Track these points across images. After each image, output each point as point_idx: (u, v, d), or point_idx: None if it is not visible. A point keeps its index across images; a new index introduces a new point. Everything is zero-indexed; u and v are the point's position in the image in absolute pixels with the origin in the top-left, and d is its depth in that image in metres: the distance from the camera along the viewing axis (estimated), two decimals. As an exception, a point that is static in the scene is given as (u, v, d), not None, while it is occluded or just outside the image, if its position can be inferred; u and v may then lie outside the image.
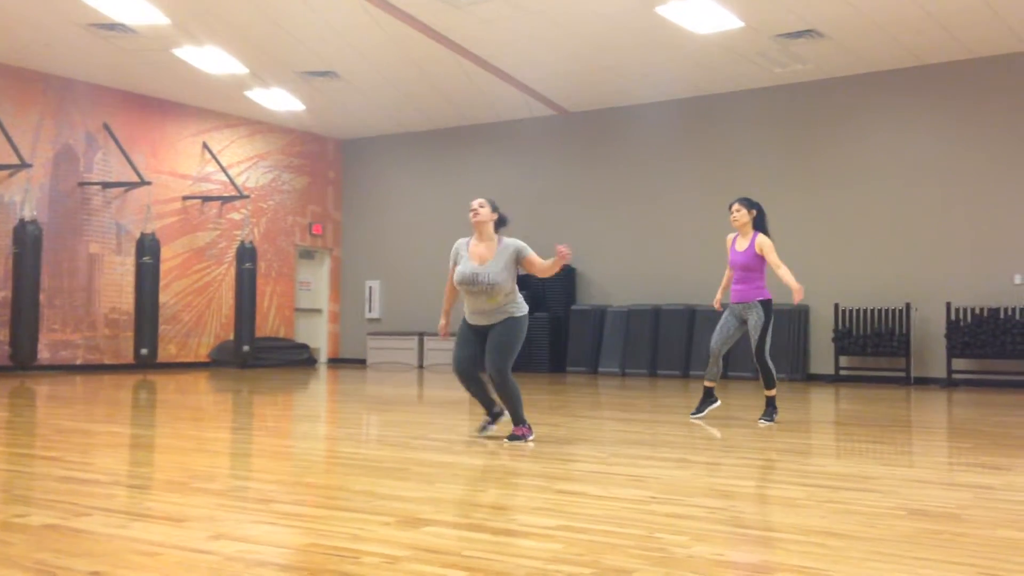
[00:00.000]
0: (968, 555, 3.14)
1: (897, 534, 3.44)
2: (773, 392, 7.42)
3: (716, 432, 6.86)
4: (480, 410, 6.66)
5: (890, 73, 13.44)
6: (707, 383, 7.68)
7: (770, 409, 7.40)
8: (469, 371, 6.13)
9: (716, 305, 7.87)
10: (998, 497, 4.26)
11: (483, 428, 6.38)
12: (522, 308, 6.08)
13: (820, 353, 13.69)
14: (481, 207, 6.10)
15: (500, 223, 6.20)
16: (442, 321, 6.51)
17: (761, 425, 7.19)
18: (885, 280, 13.24)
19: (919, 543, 3.31)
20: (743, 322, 7.42)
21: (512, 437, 6.03)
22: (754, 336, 7.29)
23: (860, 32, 11.98)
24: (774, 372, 7.38)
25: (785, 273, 7.22)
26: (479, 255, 6.06)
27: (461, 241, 6.24)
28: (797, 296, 7.15)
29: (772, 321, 7.36)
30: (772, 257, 7.29)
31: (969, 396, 11.01)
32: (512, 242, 6.09)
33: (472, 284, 5.98)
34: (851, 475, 4.90)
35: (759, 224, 7.45)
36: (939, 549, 3.22)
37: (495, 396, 6.25)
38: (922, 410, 9.35)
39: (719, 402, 7.73)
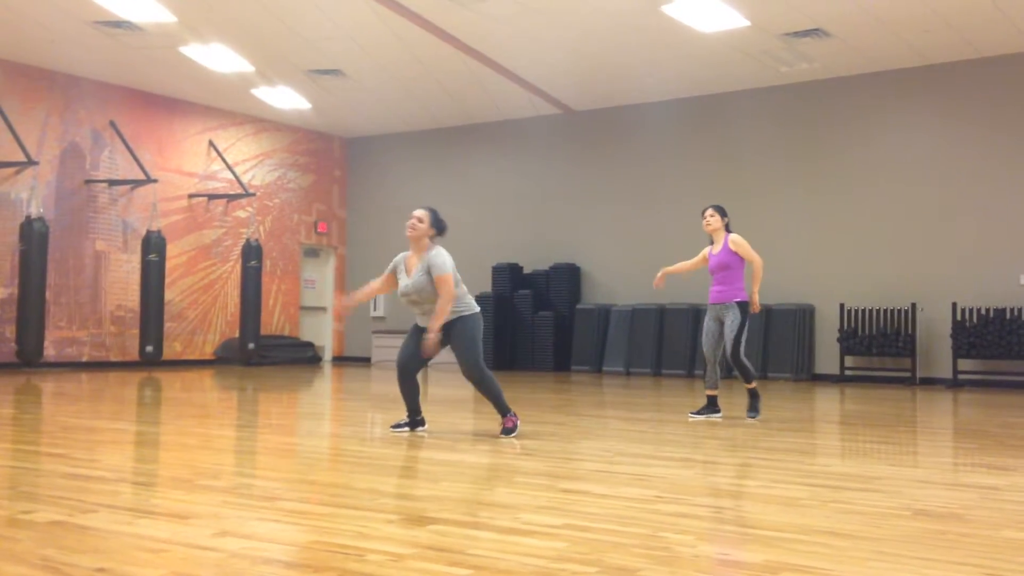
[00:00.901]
0: (972, 555, 3.14)
1: (901, 534, 3.44)
2: (754, 385, 7.62)
3: (720, 432, 6.86)
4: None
5: (897, 72, 13.41)
6: (708, 391, 7.73)
7: (754, 401, 7.61)
8: (409, 368, 6.31)
9: (659, 279, 7.83)
10: (1003, 498, 4.26)
11: (397, 425, 6.49)
12: (469, 308, 6.19)
13: (825, 353, 13.67)
14: (420, 222, 6.20)
15: (439, 233, 6.29)
16: (360, 292, 6.57)
17: (750, 420, 7.40)
18: (891, 280, 13.22)
19: (923, 543, 3.31)
20: (721, 323, 7.60)
21: (505, 431, 6.13)
22: (729, 337, 7.46)
23: (867, 31, 11.96)
24: (751, 368, 7.58)
25: (758, 272, 7.58)
26: (410, 267, 6.23)
27: (400, 256, 6.36)
28: (753, 307, 7.58)
29: (748, 322, 7.52)
30: (750, 252, 7.58)
31: (974, 397, 10.99)
32: (435, 254, 6.14)
33: (406, 296, 6.21)
34: (856, 475, 4.89)
35: (728, 229, 7.82)
36: (943, 549, 3.22)
37: (422, 403, 6.48)
38: (927, 410, 9.34)
39: (721, 413, 7.71)
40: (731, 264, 7.55)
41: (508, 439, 6.02)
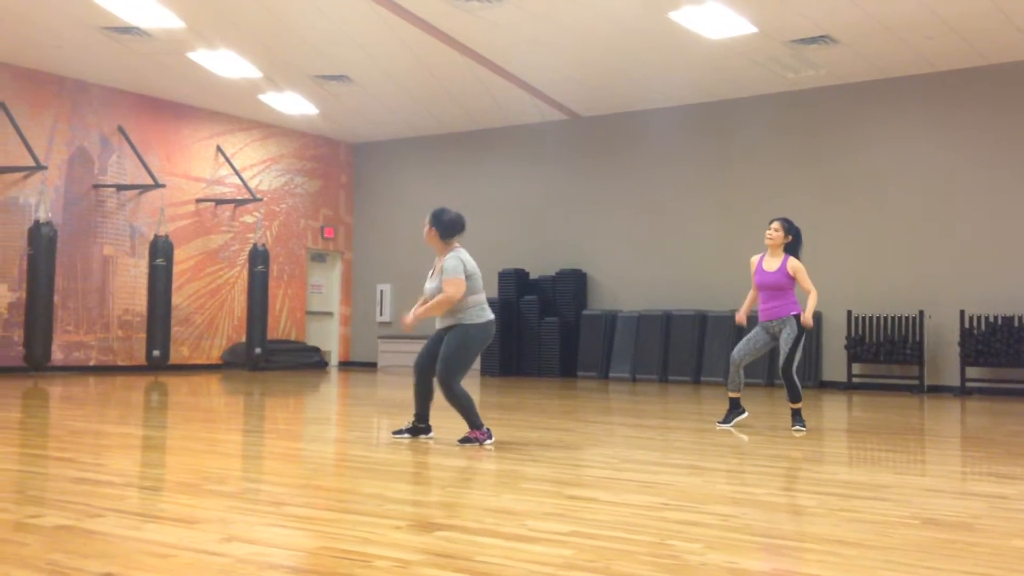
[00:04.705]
0: (981, 565, 3.13)
1: (910, 543, 3.42)
2: (799, 405, 7.36)
3: (727, 439, 6.84)
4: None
5: (904, 79, 13.39)
6: (731, 394, 7.61)
7: (799, 418, 7.33)
8: (422, 370, 6.28)
9: (740, 319, 7.66)
10: (1012, 507, 4.24)
11: (399, 431, 6.44)
12: (474, 317, 6.09)
13: (833, 360, 13.64)
14: (423, 228, 6.23)
15: (445, 232, 6.19)
16: (417, 309, 6.29)
17: (797, 433, 7.09)
18: (898, 287, 13.18)
19: (932, 552, 3.29)
20: (774, 338, 7.37)
21: (463, 439, 6.10)
22: (785, 349, 7.25)
23: (873, 38, 11.95)
24: (800, 387, 7.36)
25: (813, 300, 7.26)
26: (435, 270, 6.26)
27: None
28: (806, 322, 7.26)
29: (804, 337, 7.30)
30: (807, 282, 7.31)
31: (983, 405, 10.95)
32: (450, 256, 6.13)
33: (427, 298, 6.19)
34: (864, 483, 4.88)
35: (791, 249, 7.45)
36: (952, 559, 3.21)
37: (429, 410, 6.37)
38: (935, 418, 9.30)
39: (747, 413, 7.67)
40: (785, 285, 7.30)
41: (461, 445, 5.99)
